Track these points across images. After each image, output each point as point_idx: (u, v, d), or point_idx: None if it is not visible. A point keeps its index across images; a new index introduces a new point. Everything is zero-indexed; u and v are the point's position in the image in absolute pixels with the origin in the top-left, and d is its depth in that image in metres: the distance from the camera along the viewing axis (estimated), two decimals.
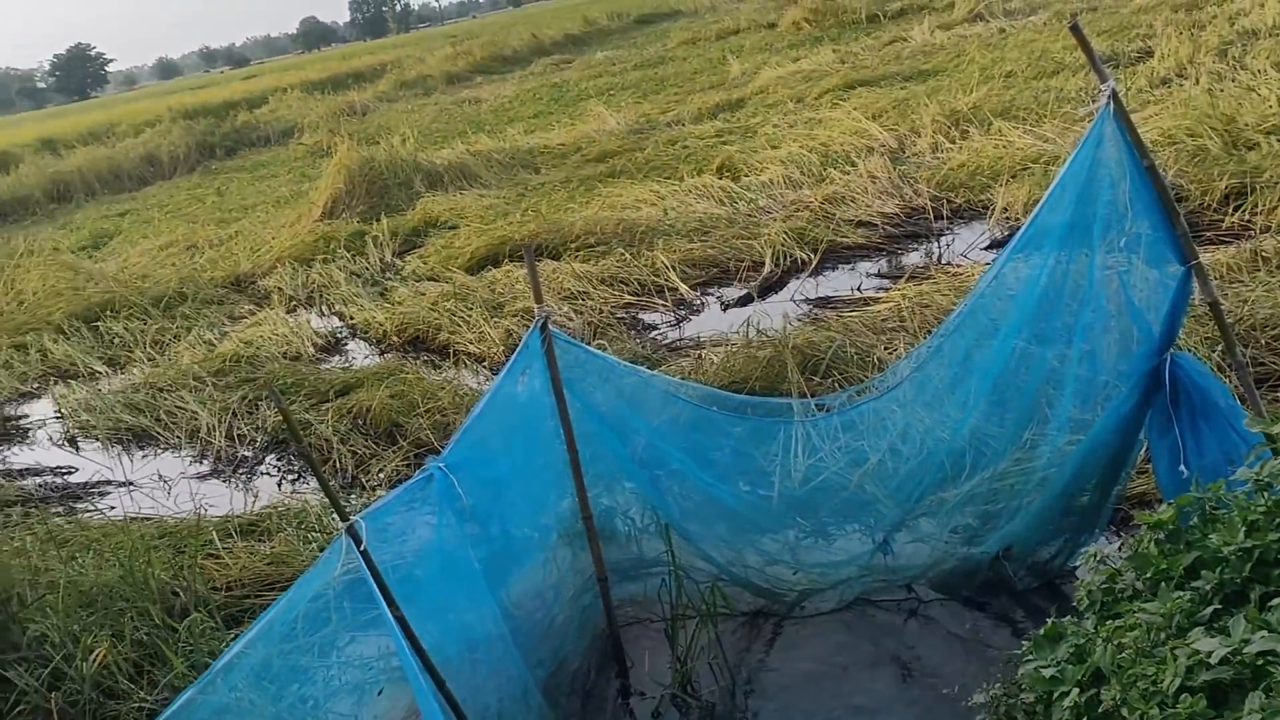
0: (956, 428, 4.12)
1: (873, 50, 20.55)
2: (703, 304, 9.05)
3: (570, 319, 8.76)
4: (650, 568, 4.61)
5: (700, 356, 7.45)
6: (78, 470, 8.57)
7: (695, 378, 6.57)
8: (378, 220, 13.86)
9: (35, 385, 11.10)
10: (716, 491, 4.45)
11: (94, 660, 4.58)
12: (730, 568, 4.51)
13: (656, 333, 8.56)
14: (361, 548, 3.06)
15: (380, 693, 3.64)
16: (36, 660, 4.74)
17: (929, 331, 6.47)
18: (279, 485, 7.38)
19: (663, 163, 14.12)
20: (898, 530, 4.43)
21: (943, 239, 9.21)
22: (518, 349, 4.04)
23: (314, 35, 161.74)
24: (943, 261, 8.62)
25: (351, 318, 10.73)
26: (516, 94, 28.74)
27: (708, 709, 4.21)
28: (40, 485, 8.28)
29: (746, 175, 12.15)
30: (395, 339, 9.79)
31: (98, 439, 9.12)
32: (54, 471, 8.62)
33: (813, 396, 5.47)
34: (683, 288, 9.25)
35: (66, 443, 9.32)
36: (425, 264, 11.73)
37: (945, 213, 9.71)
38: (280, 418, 8.14)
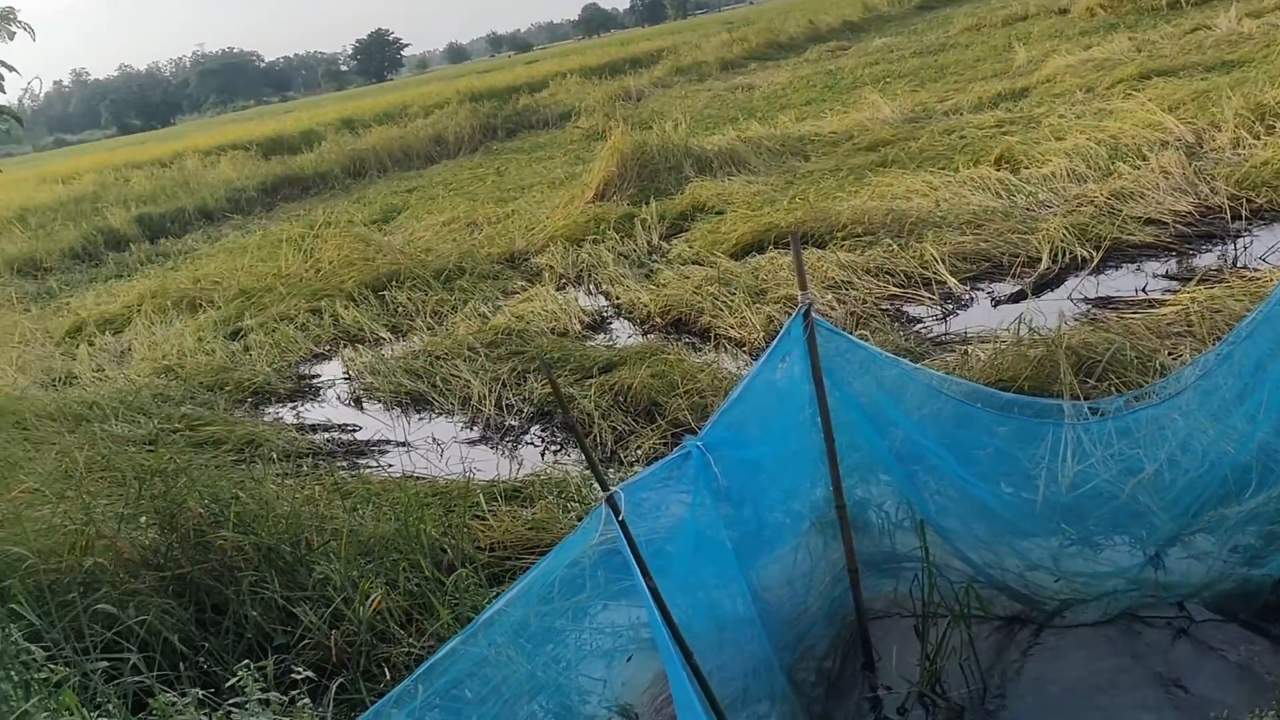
0: (1243, 441, 3.86)
1: (1172, 38, 19.34)
2: (972, 299, 8.79)
3: (833, 308, 8.70)
4: (902, 563, 4.54)
5: (966, 352, 7.25)
6: (361, 428, 9.15)
7: (960, 373, 6.39)
8: (647, 203, 14.13)
9: (327, 347, 11.92)
10: (976, 491, 4.34)
11: (370, 605, 4.91)
12: (987, 569, 4.39)
13: (921, 326, 8.38)
14: (620, 518, 3.15)
15: (629, 659, 3.74)
16: (320, 600, 5.12)
17: (1218, 338, 6.08)
18: (542, 455, 7.67)
19: (937, 153, 13.77)
20: (1171, 545, 4.20)
21: (1240, 241, 8.61)
22: (779, 335, 4.05)
23: (595, 22, 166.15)
24: (1239, 265, 8.06)
25: (617, 297, 10.99)
26: (790, 81, 28.65)
27: (956, 711, 4.11)
28: (328, 440, 8.89)
29: (1027, 167, 11.70)
30: (658, 320, 9.97)
31: (380, 400, 9.71)
32: (340, 428, 9.24)
33: (1086, 400, 5.24)
34: (951, 281, 9.01)
35: (352, 402, 9.98)
36: (691, 248, 11.88)
37: (1244, 213, 9.06)
38: (547, 390, 8.49)
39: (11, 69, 4.67)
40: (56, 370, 12.85)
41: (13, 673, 2.97)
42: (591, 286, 11.86)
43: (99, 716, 3.03)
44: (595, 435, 7.47)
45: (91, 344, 13.96)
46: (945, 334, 8.08)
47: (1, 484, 7.64)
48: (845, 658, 4.45)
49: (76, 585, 5.09)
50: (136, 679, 3.73)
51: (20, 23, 4.44)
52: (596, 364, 8.69)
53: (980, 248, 9.51)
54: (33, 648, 3.23)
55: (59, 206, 28.88)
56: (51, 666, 3.25)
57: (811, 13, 49.06)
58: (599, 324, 10.51)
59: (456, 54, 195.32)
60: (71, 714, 2.90)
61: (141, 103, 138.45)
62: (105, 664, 3.66)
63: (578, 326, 10.30)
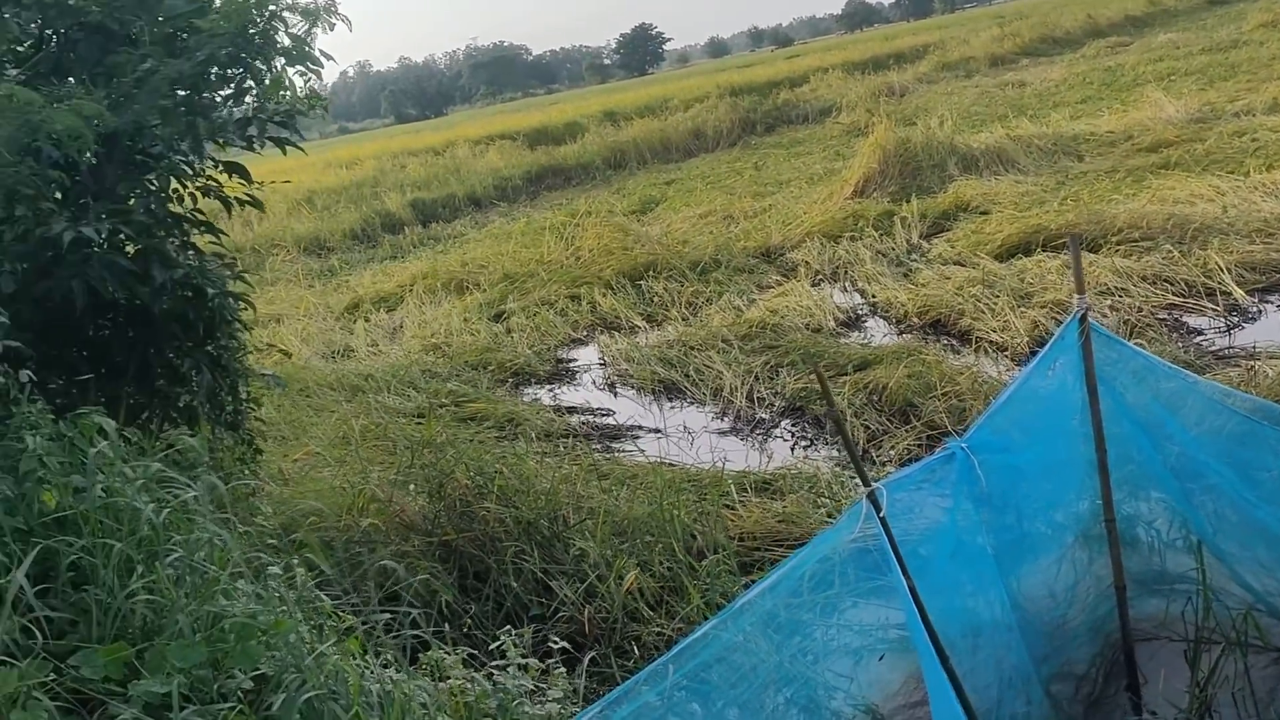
0: None
1: None
2: (1260, 311, 8.24)
3: (1105, 315, 8.33)
4: (1173, 583, 4.31)
5: (1253, 368, 6.81)
6: (615, 413, 9.38)
7: (1246, 389, 6.01)
8: (907, 201, 13.90)
9: (584, 333, 12.26)
10: (1260, 513, 4.07)
11: (625, 584, 5.05)
12: (1269, 597, 4.12)
13: (1201, 338, 7.93)
14: (881, 514, 3.14)
15: (881, 658, 3.71)
16: (575, 575, 5.31)
17: None
18: (791, 449, 7.67)
19: (1226, 156, 12.95)
20: None
21: None
22: (1052, 339, 3.93)
23: (858, 16, 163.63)
24: None
25: (874, 296, 10.86)
26: (1064, 77, 27.50)
27: None
28: (583, 423, 9.16)
29: None
30: (915, 320, 9.80)
31: (633, 387, 9.94)
32: (595, 412, 9.50)
33: None
34: (1237, 292, 8.47)
35: (607, 387, 10.25)
36: (952, 248, 11.61)
37: None
38: (799, 385, 8.49)
39: (330, 58, 5.01)
40: (336, 343, 13.72)
41: (307, 617, 3.23)
42: (847, 284, 11.75)
43: (381, 665, 3.26)
44: (848, 432, 7.42)
45: (367, 320, 14.83)
46: (1229, 348, 7.61)
47: (290, 445, 8.27)
48: (1108, 677, 4.27)
49: (353, 543, 5.47)
50: (414, 632, 3.98)
51: (340, 15, 4.75)
52: (851, 361, 8.62)
53: (1271, 258, 8.92)
54: (322, 595, 3.50)
55: (342, 190, 30.75)
56: (339, 614, 3.52)
57: (1090, 6, 46.85)
58: (854, 321, 10.42)
59: (717, 48, 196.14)
60: (356, 659, 3.12)
61: (418, 93, 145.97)
62: (387, 616, 3.92)
63: (832, 323, 10.24)
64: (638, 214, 19.60)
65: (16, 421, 3.66)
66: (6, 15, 3.73)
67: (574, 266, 14.99)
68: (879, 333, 9.95)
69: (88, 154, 3.29)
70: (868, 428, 7.45)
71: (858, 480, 6.10)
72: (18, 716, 2.37)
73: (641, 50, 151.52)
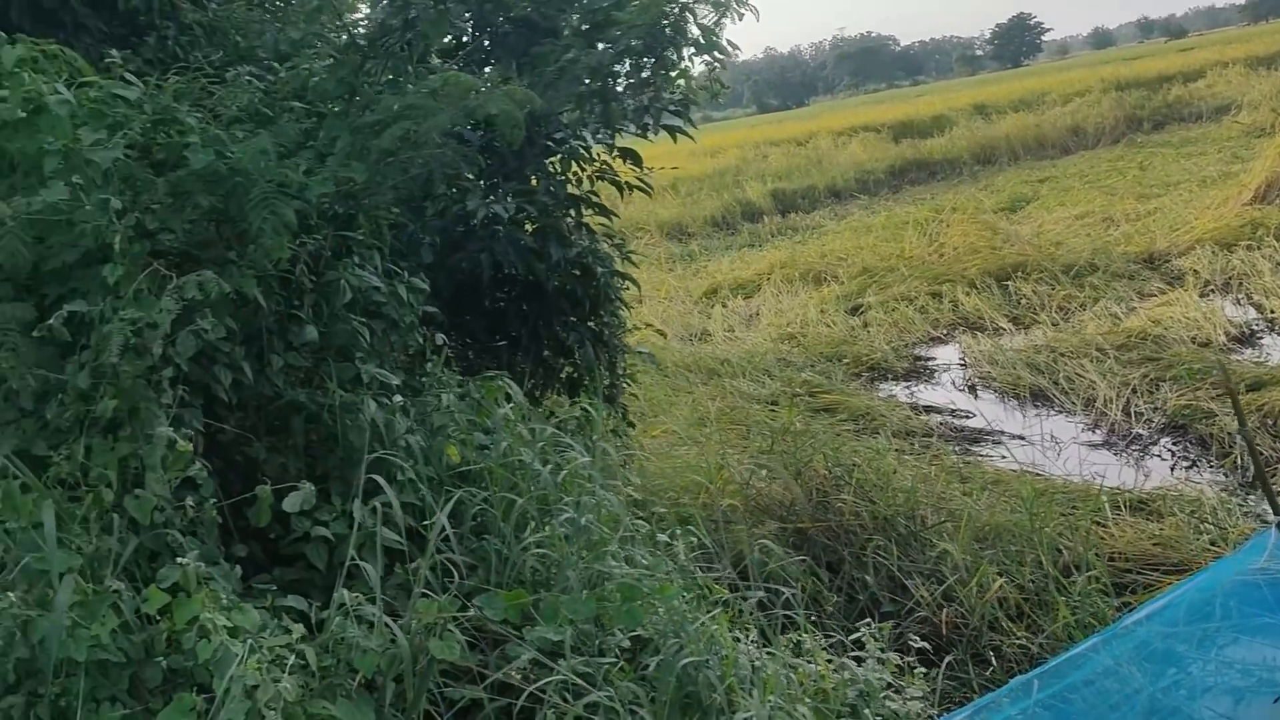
0: None
1: None
2: None
3: None
4: None
5: None
6: (974, 416, 9.12)
7: None
8: None
9: (944, 332, 11.98)
10: None
11: (989, 593, 4.91)
12: None
13: None
14: None
15: (1277, 700, 3.45)
16: (932, 576, 5.22)
17: None
18: (1171, 469, 7.21)
19: None
20: None
21: None
22: None
23: (1264, 6, 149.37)
24: None
25: (1272, 311, 10.00)
26: None
27: None
28: (940, 423, 8.96)
29: None
30: None
31: (995, 390, 9.62)
32: (954, 413, 9.27)
33: None
34: None
35: (967, 389, 9.97)
36: None
37: None
38: (1182, 402, 7.96)
39: (737, 48, 5.16)
40: (694, 326, 14.10)
41: (686, 586, 3.37)
42: (1241, 296, 10.86)
43: (749, 641, 3.35)
44: (1236, 457, 6.88)
45: (724, 306, 15.14)
46: None
47: (649, 422, 8.61)
48: None
49: (711, 521, 5.62)
50: (785, 613, 4.05)
51: (749, 5, 4.84)
52: (1243, 380, 7.98)
53: None
54: (697, 570, 3.64)
55: (705, 178, 31.42)
56: (715, 585, 3.64)
57: None
58: (1247, 338, 9.66)
59: (1101, 39, 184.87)
60: (724, 631, 3.23)
61: (780, 83, 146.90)
62: (760, 595, 4.01)
63: (1223, 338, 9.52)
64: (1007, 212, 18.90)
65: (430, 380, 4.02)
66: (445, 6, 4.09)
67: (936, 263, 14.66)
68: (1278, 351, 9.13)
69: (520, 137, 3.55)
70: (1260, 453, 6.86)
71: (1249, 509, 5.70)
72: (434, 645, 2.61)
73: (1017, 41, 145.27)
